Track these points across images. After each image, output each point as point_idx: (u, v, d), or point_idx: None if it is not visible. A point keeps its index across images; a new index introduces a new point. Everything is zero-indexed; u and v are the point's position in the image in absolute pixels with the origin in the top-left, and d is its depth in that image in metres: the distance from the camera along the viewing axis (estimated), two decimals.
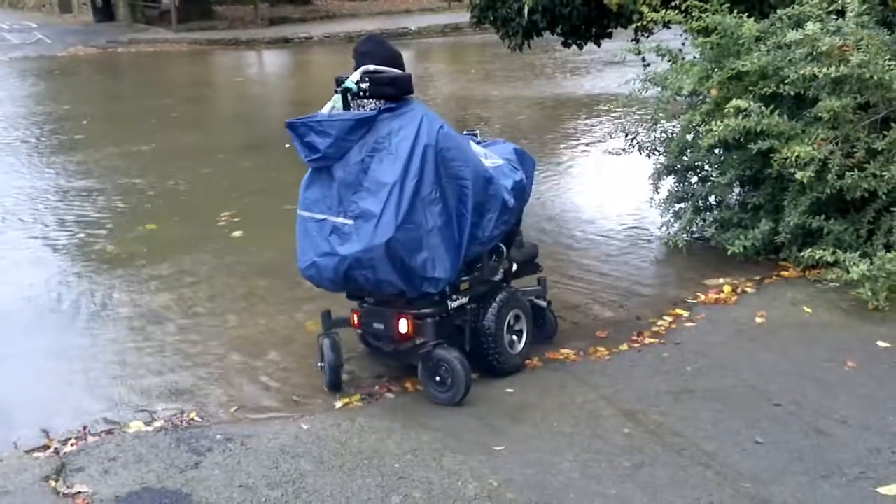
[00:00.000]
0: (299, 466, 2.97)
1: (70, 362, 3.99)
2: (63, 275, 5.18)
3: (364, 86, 3.33)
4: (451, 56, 14.99)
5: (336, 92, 3.40)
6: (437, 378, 3.40)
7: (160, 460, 3.03)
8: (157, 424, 3.37)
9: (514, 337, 3.69)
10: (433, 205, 3.27)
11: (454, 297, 3.48)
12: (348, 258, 3.27)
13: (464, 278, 3.52)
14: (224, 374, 3.85)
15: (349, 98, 3.37)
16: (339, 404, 3.50)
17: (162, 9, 19.26)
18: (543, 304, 3.95)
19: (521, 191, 3.63)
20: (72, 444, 3.20)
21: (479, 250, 3.51)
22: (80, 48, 17.18)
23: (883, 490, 2.72)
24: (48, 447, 3.21)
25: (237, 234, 5.86)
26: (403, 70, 3.49)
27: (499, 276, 3.72)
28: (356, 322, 3.60)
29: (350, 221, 3.28)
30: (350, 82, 3.36)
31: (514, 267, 3.81)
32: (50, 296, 4.82)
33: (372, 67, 3.39)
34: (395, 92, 3.36)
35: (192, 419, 3.42)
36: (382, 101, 3.36)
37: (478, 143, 3.76)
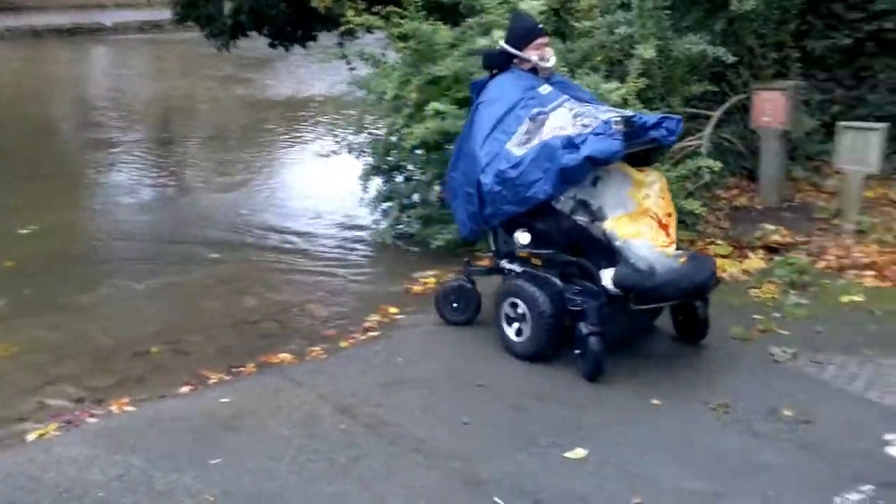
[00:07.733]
0: None
1: None
2: None
3: None
4: (152, 55, 14.23)
5: None
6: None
7: None
8: None
9: (514, 325, 3.73)
10: (455, 169, 3.91)
11: (512, 262, 3.82)
12: None
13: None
14: None
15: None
16: (31, 437, 3.21)
17: None
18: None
19: (506, 182, 3.57)
20: None
21: (487, 222, 3.78)
22: None
23: (569, 454, 3.03)
24: None
25: None
26: (515, 46, 3.88)
27: (540, 260, 3.68)
28: None
29: None
30: None
31: (611, 286, 3.38)
32: None
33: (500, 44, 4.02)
34: (484, 66, 4.08)
35: None
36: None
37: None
